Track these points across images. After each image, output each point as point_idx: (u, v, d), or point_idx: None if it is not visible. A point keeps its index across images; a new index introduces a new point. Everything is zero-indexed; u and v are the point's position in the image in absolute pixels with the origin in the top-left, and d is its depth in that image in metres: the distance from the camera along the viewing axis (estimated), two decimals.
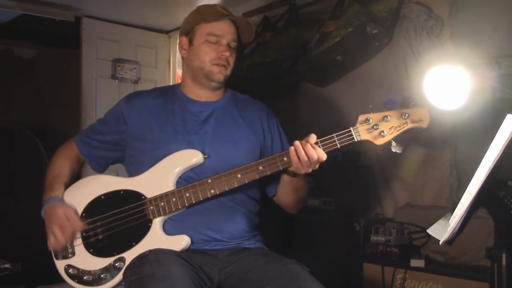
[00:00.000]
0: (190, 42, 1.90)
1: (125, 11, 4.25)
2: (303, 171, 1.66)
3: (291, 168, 1.70)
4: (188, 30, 1.91)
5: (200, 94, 1.92)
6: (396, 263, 2.66)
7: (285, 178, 1.79)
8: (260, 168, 1.69)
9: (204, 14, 1.88)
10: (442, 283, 2.50)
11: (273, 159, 1.69)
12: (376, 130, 1.65)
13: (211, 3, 2.00)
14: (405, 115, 1.64)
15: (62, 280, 1.81)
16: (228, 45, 1.86)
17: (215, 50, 1.85)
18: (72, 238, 1.77)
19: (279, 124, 2.00)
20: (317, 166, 1.66)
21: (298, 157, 1.63)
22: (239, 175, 1.69)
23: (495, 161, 1.18)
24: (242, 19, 1.94)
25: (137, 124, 1.87)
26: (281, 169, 1.69)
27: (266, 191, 1.97)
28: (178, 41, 1.98)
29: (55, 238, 1.74)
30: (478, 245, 2.63)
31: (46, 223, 1.77)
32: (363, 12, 2.99)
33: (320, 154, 1.63)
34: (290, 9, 3.63)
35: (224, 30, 1.86)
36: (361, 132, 1.66)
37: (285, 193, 1.88)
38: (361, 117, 1.66)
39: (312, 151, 1.62)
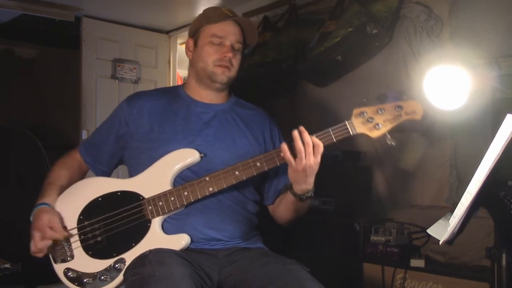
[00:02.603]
0: (195, 44, 1.90)
1: (125, 11, 4.26)
2: (296, 166, 1.61)
3: (290, 176, 1.67)
4: (193, 32, 1.92)
5: (204, 95, 1.92)
6: (396, 263, 2.66)
7: (290, 197, 1.76)
8: (258, 164, 1.68)
9: (209, 17, 1.89)
10: (442, 283, 2.50)
11: (270, 155, 1.68)
12: (371, 123, 1.65)
13: (213, 4, 2.00)
14: (399, 108, 1.64)
15: None
16: (232, 46, 1.86)
17: (218, 51, 1.85)
18: (50, 245, 1.75)
19: (281, 134, 2.00)
20: (312, 161, 1.61)
21: (295, 150, 1.60)
22: (236, 172, 1.69)
23: (495, 161, 1.18)
24: (246, 21, 1.94)
25: (138, 125, 1.86)
26: (278, 164, 1.68)
27: (263, 197, 1.96)
28: (185, 44, 1.98)
29: (34, 244, 1.73)
30: (478, 245, 2.63)
31: (31, 227, 1.76)
32: (363, 12, 2.99)
33: (315, 140, 1.60)
34: (290, 9, 3.63)
35: (227, 31, 1.86)
36: (356, 125, 1.65)
37: (285, 210, 1.86)
38: (356, 111, 1.66)
39: (308, 137, 1.59)
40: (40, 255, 1.76)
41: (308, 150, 1.59)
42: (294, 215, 1.86)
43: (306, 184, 1.67)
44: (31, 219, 1.78)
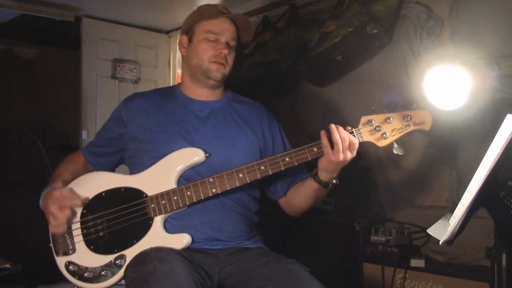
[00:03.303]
0: (190, 40, 1.90)
1: (125, 11, 4.26)
2: (333, 158, 1.62)
3: (321, 163, 1.67)
4: (188, 29, 1.92)
5: (199, 93, 1.92)
6: (396, 263, 2.66)
7: (313, 185, 1.76)
8: (262, 168, 1.68)
9: (204, 13, 1.89)
10: (442, 283, 2.50)
11: (275, 158, 1.68)
12: (379, 132, 1.65)
13: (212, 2, 2.00)
14: (407, 118, 1.63)
15: (62, 280, 1.80)
16: (227, 43, 1.86)
17: (213, 47, 1.85)
18: (72, 216, 1.76)
19: (281, 127, 1.99)
20: (349, 156, 1.62)
21: (331, 141, 1.61)
22: (240, 175, 1.69)
23: (495, 161, 1.18)
24: (242, 18, 1.94)
25: (137, 125, 1.87)
26: (282, 169, 1.68)
27: (270, 192, 1.95)
28: (178, 40, 1.98)
29: (54, 218, 1.73)
30: (478, 245, 2.63)
31: (45, 209, 1.77)
32: (363, 12, 2.99)
33: (351, 137, 1.62)
34: (290, 9, 3.63)
35: (223, 28, 1.86)
36: (363, 134, 1.66)
37: (304, 199, 1.85)
38: (364, 119, 1.66)
39: (344, 132, 1.61)
40: (61, 230, 1.76)
41: (344, 145, 1.61)
42: (313, 203, 1.85)
43: (334, 173, 1.70)
44: (41, 205, 1.79)
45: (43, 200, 1.79)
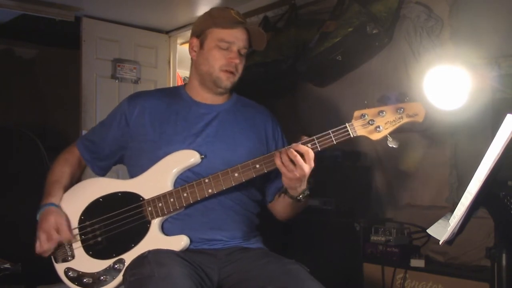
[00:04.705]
0: (201, 45, 1.87)
1: (125, 11, 4.26)
2: (289, 175, 1.61)
3: (284, 182, 1.67)
4: (199, 32, 1.88)
5: (206, 97, 1.91)
6: (396, 263, 2.66)
7: (287, 200, 1.76)
8: (257, 166, 1.68)
9: (217, 19, 1.85)
10: (442, 283, 2.50)
11: (270, 157, 1.68)
12: (372, 125, 1.65)
13: (213, 4, 1.99)
14: (400, 110, 1.64)
15: (62, 281, 1.80)
16: (239, 51, 1.85)
17: (225, 56, 1.83)
18: (57, 246, 1.77)
19: (283, 132, 1.99)
20: (306, 169, 1.60)
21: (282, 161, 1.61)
22: (236, 174, 1.69)
23: (495, 161, 1.18)
24: (256, 29, 1.93)
25: (139, 124, 1.86)
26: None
27: (265, 196, 1.95)
28: (189, 42, 1.95)
29: (40, 245, 1.75)
30: (478, 245, 2.63)
31: (38, 228, 1.77)
32: (363, 12, 2.99)
33: (302, 149, 1.60)
34: (290, 9, 3.63)
35: (235, 37, 1.83)
36: (356, 128, 1.66)
37: (284, 209, 1.87)
38: (357, 113, 1.67)
39: (291, 153, 1.59)
40: (45, 255, 1.78)
41: (298, 163, 1.60)
42: (294, 213, 1.87)
43: (301, 187, 1.69)
44: (38, 218, 1.79)
45: (40, 217, 1.78)
